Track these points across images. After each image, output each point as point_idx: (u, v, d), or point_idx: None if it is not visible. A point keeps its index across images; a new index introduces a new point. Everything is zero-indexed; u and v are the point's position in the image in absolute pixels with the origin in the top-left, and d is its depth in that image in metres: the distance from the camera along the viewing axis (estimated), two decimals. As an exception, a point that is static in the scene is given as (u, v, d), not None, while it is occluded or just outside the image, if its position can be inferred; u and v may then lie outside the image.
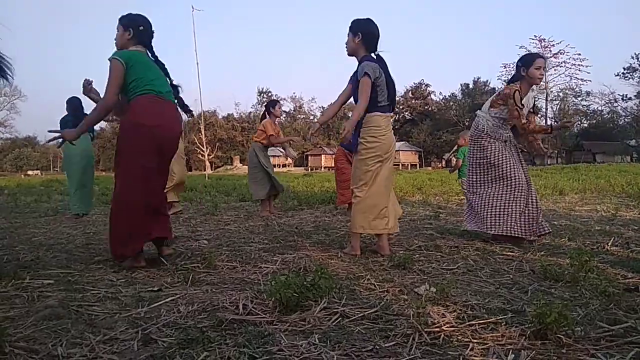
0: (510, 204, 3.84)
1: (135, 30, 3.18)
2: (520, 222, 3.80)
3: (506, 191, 3.89)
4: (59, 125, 6.49)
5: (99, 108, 3.11)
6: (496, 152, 3.95)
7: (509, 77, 4.17)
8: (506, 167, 3.90)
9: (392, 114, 3.63)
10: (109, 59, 3.03)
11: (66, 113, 6.48)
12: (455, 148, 7.03)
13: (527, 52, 3.83)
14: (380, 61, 3.47)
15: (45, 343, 1.75)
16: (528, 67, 3.80)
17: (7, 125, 64.58)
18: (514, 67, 4.02)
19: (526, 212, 3.84)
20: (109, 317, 2.06)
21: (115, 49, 3.17)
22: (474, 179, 4.07)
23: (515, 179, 3.86)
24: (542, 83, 48.03)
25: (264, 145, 6.38)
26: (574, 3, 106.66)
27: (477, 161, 4.05)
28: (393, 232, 3.67)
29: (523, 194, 3.85)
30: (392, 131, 3.63)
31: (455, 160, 6.93)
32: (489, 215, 3.90)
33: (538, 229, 3.82)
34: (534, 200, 3.89)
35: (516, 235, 3.77)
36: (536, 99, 3.94)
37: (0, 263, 3.19)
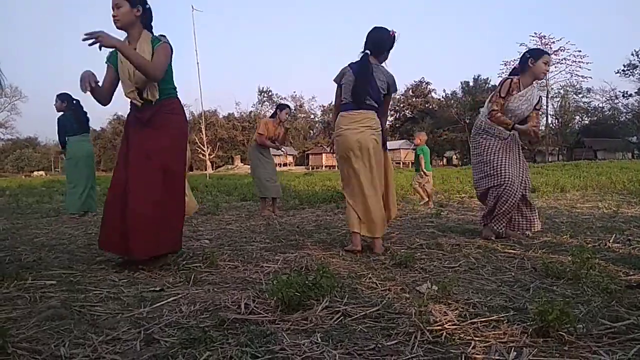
0: (498, 203, 3.89)
1: (143, 7, 2.98)
2: (509, 221, 3.95)
3: (496, 189, 3.90)
4: (57, 124, 6.46)
5: (148, 65, 2.84)
6: (489, 149, 3.96)
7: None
8: (497, 163, 3.90)
9: (357, 110, 3.44)
10: (160, 40, 2.96)
11: (61, 113, 6.45)
12: (412, 147, 7.65)
13: (536, 47, 3.94)
14: (361, 60, 3.50)
15: (48, 343, 1.75)
16: (536, 59, 3.80)
17: (8, 127, 64.68)
18: (518, 60, 3.99)
19: (521, 209, 3.96)
20: (112, 317, 2.06)
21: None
22: (475, 177, 4.10)
23: (504, 176, 3.85)
24: (542, 80, 47.97)
25: (257, 144, 6.40)
26: (574, 3, 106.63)
27: (475, 158, 4.08)
28: (367, 235, 3.50)
29: (513, 191, 3.84)
30: (360, 129, 3.41)
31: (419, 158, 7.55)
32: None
33: (527, 226, 3.96)
34: (527, 199, 3.96)
35: (502, 234, 3.94)
36: (541, 98, 3.94)
37: (3, 264, 3.19)
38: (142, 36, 2.97)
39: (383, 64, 3.55)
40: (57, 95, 6.39)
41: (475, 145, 4.08)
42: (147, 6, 3.03)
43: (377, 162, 3.46)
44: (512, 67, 4.26)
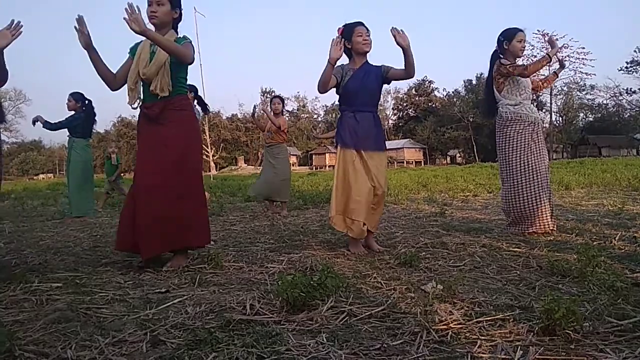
0: (535, 197, 3.87)
1: (180, 10, 3.07)
2: (538, 216, 3.89)
3: (530, 183, 3.89)
4: (67, 119, 6.46)
5: (180, 48, 2.88)
6: (520, 141, 3.93)
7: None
8: (527, 156, 3.90)
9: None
10: (185, 39, 3.01)
11: (72, 112, 6.49)
12: (111, 156, 8.72)
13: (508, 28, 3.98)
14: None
15: (54, 346, 1.76)
16: (510, 40, 3.94)
17: (13, 130, 64.90)
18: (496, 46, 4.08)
19: (548, 203, 3.92)
20: (118, 319, 2.07)
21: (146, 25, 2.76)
22: (503, 172, 4.07)
23: (535, 169, 3.88)
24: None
25: (267, 144, 6.62)
26: (574, 3, 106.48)
27: (504, 152, 4.02)
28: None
29: (544, 183, 3.90)
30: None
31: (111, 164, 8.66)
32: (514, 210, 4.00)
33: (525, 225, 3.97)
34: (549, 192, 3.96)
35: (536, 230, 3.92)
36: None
37: (9, 267, 3.21)
38: (168, 35, 3.02)
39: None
40: (71, 94, 6.36)
41: (505, 139, 4.03)
42: (182, 9, 3.09)
43: None
44: (493, 50, 4.15)
